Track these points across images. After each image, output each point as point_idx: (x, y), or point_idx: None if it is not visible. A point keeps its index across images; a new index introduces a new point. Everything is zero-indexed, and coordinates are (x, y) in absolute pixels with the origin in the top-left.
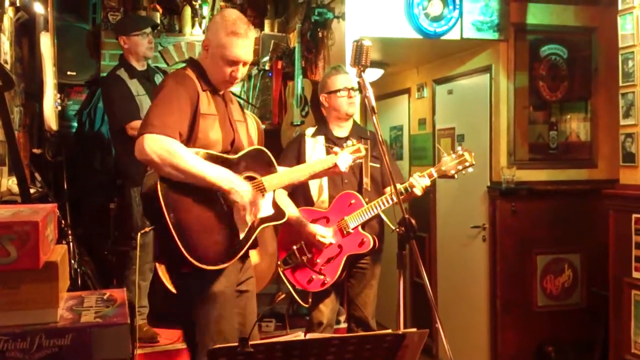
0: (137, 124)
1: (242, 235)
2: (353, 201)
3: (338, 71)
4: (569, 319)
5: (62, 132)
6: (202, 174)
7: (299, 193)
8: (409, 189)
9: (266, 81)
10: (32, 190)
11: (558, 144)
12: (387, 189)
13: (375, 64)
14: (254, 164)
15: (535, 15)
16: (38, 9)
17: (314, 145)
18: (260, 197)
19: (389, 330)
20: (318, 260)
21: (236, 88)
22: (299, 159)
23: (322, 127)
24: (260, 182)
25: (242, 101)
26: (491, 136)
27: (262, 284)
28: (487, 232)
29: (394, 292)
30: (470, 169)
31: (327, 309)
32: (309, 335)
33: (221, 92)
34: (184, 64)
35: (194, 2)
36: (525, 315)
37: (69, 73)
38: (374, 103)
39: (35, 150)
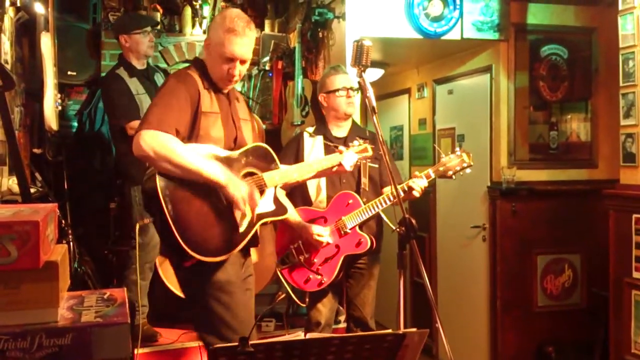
0: (136, 123)
1: (241, 229)
2: (351, 201)
3: (337, 71)
4: (569, 319)
5: (62, 132)
6: (197, 169)
7: (297, 192)
8: (407, 189)
9: (266, 81)
10: (32, 190)
11: (558, 144)
12: (385, 189)
13: (375, 64)
14: (256, 161)
15: (536, 16)
16: (38, 9)
17: (313, 145)
18: (257, 192)
19: (389, 330)
20: (315, 260)
21: (237, 88)
22: (298, 158)
23: (321, 126)
24: (260, 177)
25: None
26: (491, 136)
27: (261, 284)
28: (488, 232)
29: (394, 292)
30: (468, 170)
31: (325, 308)
32: (309, 335)
33: (225, 91)
34: (184, 64)
35: (194, 2)
36: (526, 316)
37: (69, 73)
38: (374, 103)
39: (35, 150)
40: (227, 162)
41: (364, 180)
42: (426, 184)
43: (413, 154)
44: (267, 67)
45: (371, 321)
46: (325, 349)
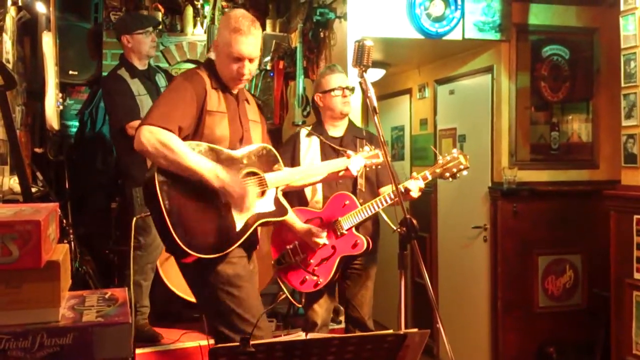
0: (137, 123)
1: (238, 228)
2: (347, 202)
3: (332, 70)
4: (570, 319)
5: (63, 132)
6: (193, 167)
7: (293, 193)
8: (403, 191)
9: (268, 81)
10: (33, 190)
11: (559, 144)
12: (382, 190)
13: (376, 64)
14: (258, 161)
15: (537, 16)
16: (40, 8)
17: (309, 145)
18: (253, 195)
19: (390, 331)
20: (311, 261)
21: None
22: (294, 158)
23: (317, 126)
24: (262, 178)
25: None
26: (493, 137)
27: (261, 284)
28: (489, 232)
29: (395, 292)
30: (464, 172)
31: (321, 309)
32: (310, 335)
33: (235, 91)
34: (186, 64)
35: (195, 2)
36: (527, 316)
37: (70, 72)
38: (375, 103)
39: (37, 150)
40: (229, 161)
41: (361, 181)
42: (423, 185)
43: (414, 154)
44: (268, 67)
45: (369, 321)
46: (326, 349)
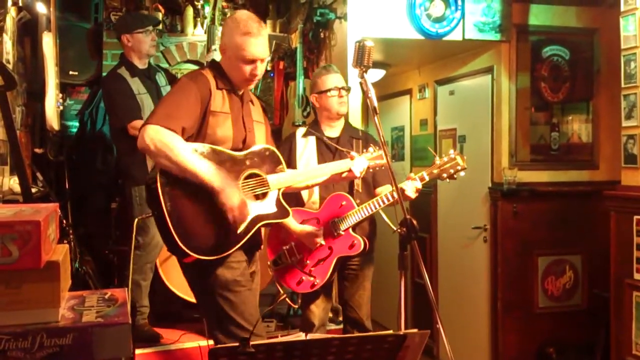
0: (138, 123)
1: (240, 230)
2: (344, 203)
3: (328, 71)
4: (570, 320)
5: (63, 132)
6: (193, 170)
7: (290, 194)
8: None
9: (268, 81)
10: (33, 190)
11: (559, 145)
12: (378, 190)
13: (377, 65)
14: (261, 162)
15: (537, 17)
16: (40, 8)
17: (305, 145)
18: (250, 202)
19: (390, 331)
20: (308, 262)
21: None
22: (290, 158)
23: (314, 127)
24: (263, 179)
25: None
26: (493, 137)
27: (261, 284)
28: (489, 233)
29: (395, 292)
30: (462, 173)
31: (318, 309)
32: (310, 336)
33: (240, 92)
34: (186, 64)
35: (195, 2)
36: (526, 317)
37: (71, 73)
38: (375, 104)
39: (37, 150)
40: (232, 162)
41: (357, 182)
42: (420, 186)
43: (414, 154)
44: (268, 68)
45: (367, 322)
46: (326, 349)
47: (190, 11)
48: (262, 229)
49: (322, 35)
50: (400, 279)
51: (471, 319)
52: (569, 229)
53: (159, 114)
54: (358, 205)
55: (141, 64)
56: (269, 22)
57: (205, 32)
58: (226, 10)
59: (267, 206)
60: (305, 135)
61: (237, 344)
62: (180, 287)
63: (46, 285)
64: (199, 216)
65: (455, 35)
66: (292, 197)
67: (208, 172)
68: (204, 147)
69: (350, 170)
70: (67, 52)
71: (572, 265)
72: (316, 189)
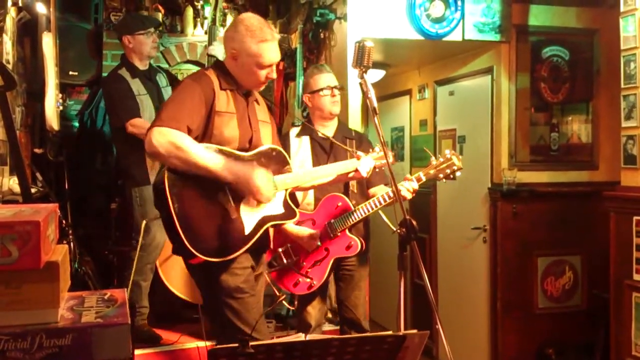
0: (137, 121)
1: (247, 231)
2: (340, 204)
3: (320, 70)
4: (569, 321)
5: (63, 132)
6: (206, 165)
7: None
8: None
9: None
10: (33, 190)
11: (559, 145)
12: (371, 190)
13: (376, 65)
14: (268, 163)
15: (537, 17)
16: (40, 9)
17: (299, 146)
18: (271, 183)
19: (390, 332)
20: (304, 263)
21: None
22: None
23: (307, 127)
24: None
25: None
26: (492, 138)
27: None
28: (488, 233)
29: (394, 293)
30: (458, 173)
31: (314, 310)
32: (310, 336)
33: (244, 92)
34: (186, 65)
35: (195, 3)
36: (526, 317)
37: (70, 73)
38: (375, 104)
39: (36, 150)
40: (239, 162)
41: (353, 182)
42: (416, 187)
43: (414, 155)
44: None
45: (365, 322)
46: (326, 350)
47: (190, 12)
48: (270, 231)
49: (322, 35)
50: (400, 279)
51: (471, 319)
52: (569, 230)
53: (164, 116)
54: (354, 207)
55: (142, 65)
56: (269, 22)
57: (205, 33)
58: (226, 10)
59: (275, 207)
60: (299, 135)
61: (236, 345)
62: (179, 287)
63: (46, 285)
64: (207, 218)
65: (455, 36)
66: None
67: (221, 163)
68: (211, 148)
69: (356, 170)
70: (67, 52)
71: (571, 266)
72: (310, 191)
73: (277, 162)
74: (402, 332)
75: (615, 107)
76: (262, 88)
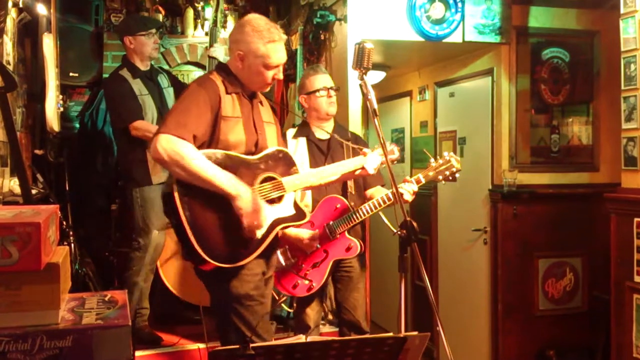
0: (140, 124)
1: (259, 235)
2: (339, 205)
3: (316, 71)
4: (570, 323)
5: (64, 133)
6: (208, 178)
7: None
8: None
9: None
10: (33, 191)
11: (560, 147)
12: (368, 192)
13: (377, 67)
14: (275, 165)
15: (537, 19)
16: (41, 10)
17: (296, 147)
18: (265, 208)
19: (390, 334)
20: (303, 265)
21: None
22: None
23: (303, 128)
24: (279, 182)
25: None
26: (493, 139)
27: None
28: (489, 235)
29: (395, 295)
30: (457, 175)
31: (313, 312)
32: (310, 338)
33: (248, 94)
34: (186, 66)
35: (196, 4)
36: (527, 319)
37: (71, 74)
38: (375, 106)
39: (37, 151)
40: (246, 166)
41: (350, 184)
42: (416, 189)
43: (414, 156)
44: None
45: (364, 324)
46: (326, 352)
47: (190, 13)
48: (279, 233)
49: (322, 37)
50: (401, 281)
51: (471, 321)
52: (570, 231)
53: (170, 123)
54: (353, 208)
55: (143, 66)
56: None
57: (206, 34)
58: (227, 12)
59: (285, 209)
60: (295, 136)
61: (237, 346)
62: (180, 289)
63: (46, 287)
64: (218, 223)
65: (455, 38)
66: None
67: (222, 179)
68: (218, 154)
69: (363, 168)
70: (67, 53)
71: (572, 268)
72: (308, 192)
73: (284, 163)
74: (403, 333)
75: (616, 109)
76: (268, 89)
